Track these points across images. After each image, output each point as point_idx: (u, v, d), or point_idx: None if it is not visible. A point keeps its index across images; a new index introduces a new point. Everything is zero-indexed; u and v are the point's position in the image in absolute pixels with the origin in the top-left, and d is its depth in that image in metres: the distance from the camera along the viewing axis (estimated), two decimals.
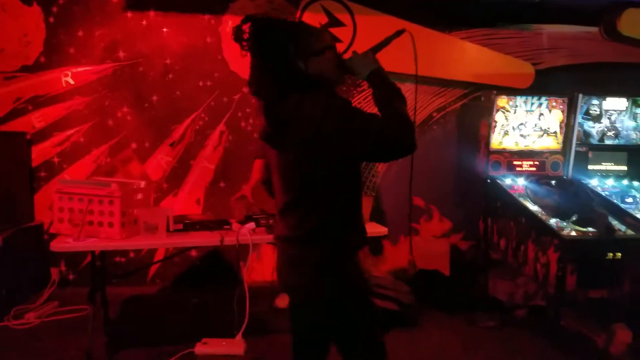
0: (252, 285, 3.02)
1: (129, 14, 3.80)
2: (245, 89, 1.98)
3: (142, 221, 2.72)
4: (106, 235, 2.66)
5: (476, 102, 3.96)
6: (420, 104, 4.07)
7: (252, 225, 2.84)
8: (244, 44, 1.47)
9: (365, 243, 1.64)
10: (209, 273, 3.95)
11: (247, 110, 3.95)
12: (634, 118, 3.72)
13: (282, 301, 3.47)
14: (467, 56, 3.86)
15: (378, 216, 3.94)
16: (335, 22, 3.76)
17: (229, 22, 3.81)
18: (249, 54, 1.50)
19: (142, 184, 2.92)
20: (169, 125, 3.92)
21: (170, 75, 3.88)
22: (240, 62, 3.67)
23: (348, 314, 1.54)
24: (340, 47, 3.69)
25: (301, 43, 1.49)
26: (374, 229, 3.23)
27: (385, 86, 1.57)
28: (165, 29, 3.84)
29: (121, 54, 3.83)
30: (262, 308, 3.38)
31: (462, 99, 4.05)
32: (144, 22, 3.82)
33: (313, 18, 3.74)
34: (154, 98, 3.89)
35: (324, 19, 3.75)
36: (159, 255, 3.89)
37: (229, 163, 3.96)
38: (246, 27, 1.46)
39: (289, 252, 1.57)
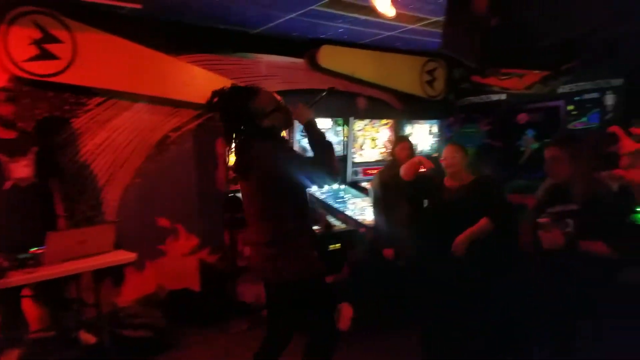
0: None
1: None
2: None
3: None
4: None
5: (210, 122, 4.17)
6: (155, 124, 4.04)
7: None
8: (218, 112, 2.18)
9: (315, 238, 2.42)
10: None
11: None
12: (336, 134, 4.59)
13: None
14: (197, 79, 4.02)
15: (120, 242, 3.74)
16: (50, 38, 3.38)
17: None
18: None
19: None
20: None
21: None
22: None
23: (310, 291, 2.16)
24: (60, 65, 3.40)
25: (257, 107, 2.13)
26: (121, 256, 3.09)
27: (315, 133, 2.18)
28: None
29: None
30: None
31: (196, 119, 4.19)
32: None
33: (22, 33, 3.28)
34: None
35: (37, 34, 3.33)
36: None
37: None
38: (215, 100, 2.17)
39: (264, 251, 2.16)
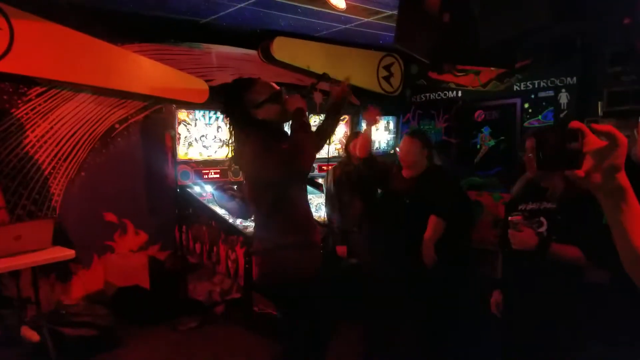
0: None
1: None
2: None
3: None
4: None
5: (158, 114, 4.05)
6: (99, 115, 3.90)
7: None
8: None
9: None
10: None
11: None
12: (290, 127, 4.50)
13: None
14: (143, 69, 3.89)
15: (64, 238, 3.61)
16: None
17: None
18: None
19: None
20: None
21: None
22: None
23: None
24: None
25: (250, 98, 2.11)
26: (59, 253, 2.98)
27: (298, 124, 2.15)
28: None
29: None
30: None
31: (144, 110, 4.05)
32: None
33: None
34: None
35: None
36: None
37: None
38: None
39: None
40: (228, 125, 2.19)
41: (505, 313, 2.28)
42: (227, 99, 2.18)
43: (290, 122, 2.18)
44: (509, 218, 2.05)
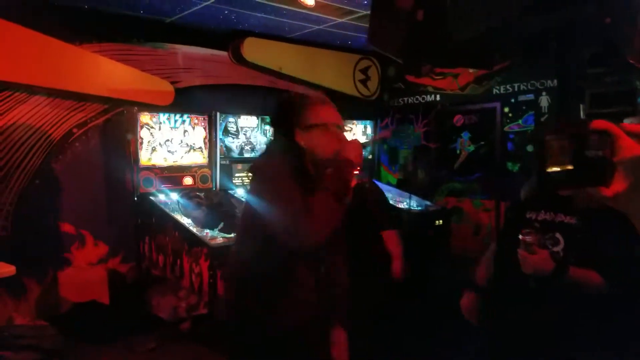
0: None
1: None
2: None
3: None
4: None
5: (120, 117, 3.82)
6: (56, 119, 3.65)
7: None
8: None
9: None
10: None
11: None
12: (264, 133, 4.31)
13: None
14: (103, 70, 3.67)
15: (16, 251, 3.35)
16: None
17: None
18: None
19: None
20: None
21: None
22: None
23: None
24: None
25: (294, 116, 1.69)
26: None
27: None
28: None
29: None
30: None
31: (104, 114, 3.82)
32: None
33: None
34: None
35: None
36: None
37: None
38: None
39: None
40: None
41: (491, 322, 2.01)
42: (279, 112, 1.78)
43: (330, 172, 1.64)
44: (520, 237, 1.66)
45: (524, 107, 4.32)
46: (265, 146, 1.86)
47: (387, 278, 2.83)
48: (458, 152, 4.65)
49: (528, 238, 1.65)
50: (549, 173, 0.64)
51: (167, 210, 3.65)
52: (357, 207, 2.74)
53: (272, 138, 1.90)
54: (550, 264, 1.62)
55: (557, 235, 1.73)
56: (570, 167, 0.61)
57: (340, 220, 1.62)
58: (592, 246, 1.64)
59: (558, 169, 0.63)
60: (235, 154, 4.17)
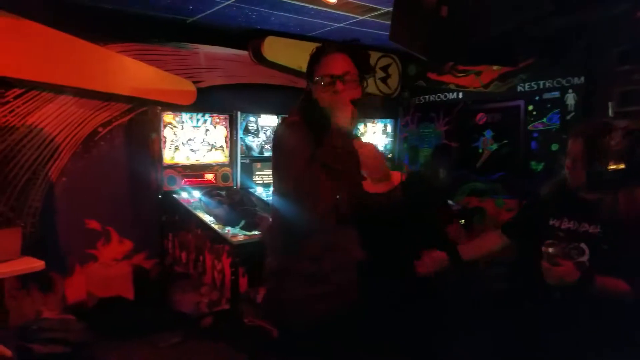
0: None
1: None
2: None
3: None
4: None
5: (143, 117, 3.88)
6: (82, 118, 3.73)
7: None
8: None
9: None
10: None
11: None
12: None
13: None
14: (127, 70, 3.72)
15: (43, 247, 3.44)
16: None
17: None
18: None
19: None
20: None
21: None
22: None
23: None
24: None
25: (309, 68, 1.70)
26: (27, 264, 2.80)
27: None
28: None
29: None
30: None
31: (128, 113, 3.88)
32: None
33: None
34: None
35: None
36: None
37: None
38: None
39: None
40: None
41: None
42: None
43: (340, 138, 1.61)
44: (543, 248, 1.64)
45: (548, 105, 4.23)
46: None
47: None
48: (480, 151, 4.59)
49: (551, 250, 1.62)
50: (599, 172, 0.63)
51: (190, 208, 3.70)
52: (415, 199, 2.72)
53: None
54: (576, 274, 1.59)
55: (582, 245, 1.70)
56: (622, 167, 0.60)
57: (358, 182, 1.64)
58: (618, 256, 1.61)
59: (614, 167, 0.62)
60: (255, 153, 4.20)
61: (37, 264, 2.81)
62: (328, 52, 1.68)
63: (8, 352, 3.05)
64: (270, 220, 1.82)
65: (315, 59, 1.69)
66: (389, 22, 3.87)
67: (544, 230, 1.82)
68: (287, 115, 1.77)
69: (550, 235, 1.73)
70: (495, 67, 4.34)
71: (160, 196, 3.80)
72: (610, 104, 3.70)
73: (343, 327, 1.68)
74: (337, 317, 1.65)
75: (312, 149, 1.57)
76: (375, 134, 4.84)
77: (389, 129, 4.91)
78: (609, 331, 1.63)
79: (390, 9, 3.55)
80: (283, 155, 1.65)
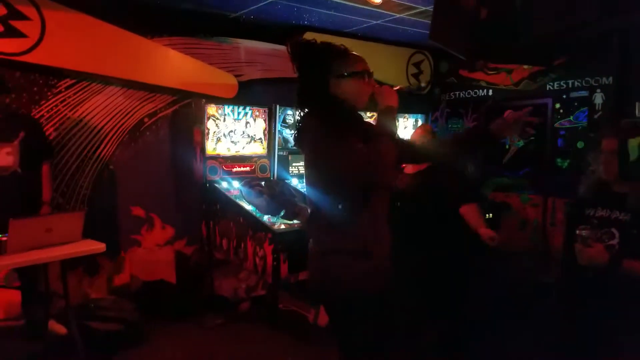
0: None
1: None
2: None
3: None
4: None
5: (187, 109, 4.01)
6: (128, 109, 3.88)
7: None
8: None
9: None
10: None
11: None
12: None
13: None
14: (173, 63, 3.85)
15: (92, 231, 3.60)
16: (16, 14, 3.19)
17: None
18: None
19: None
20: None
21: None
22: None
23: None
24: (27, 43, 3.22)
25: (334, 67, 1.72)
26: (89, 246, 2.95)
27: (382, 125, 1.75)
28: None
29: None
30: None
31: (172, 105, 4.03)
32: None
33: None
34: None
35: (2, 10, 3.15)
36: None
37: None
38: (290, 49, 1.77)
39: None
40: (296, 96, 1.78)
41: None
42: (306, 59, 1.76)
43: (376, 119, 1.76)
44: (577, 232, 1.87)
45: (575, 104, 4.33)
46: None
47: (466, 254, 2.91)
48: (507, 147, 4.70)
49: (584, 232, 1.86)
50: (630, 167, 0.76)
51: (231, 198, 3.85)
52: (435, 186, 2.86)
53: (301, 92, 1.79)
54: (605, 256, 1.81)
55: (613, 230, 1.91)
56: None
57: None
58: None
59: None
60: (292, 145, 4.33)
61: (99, 246, 2.95)
62: (349, 50, 1.81)
63: (63, 330, 3.24)
64: (309, 211, 1.85)
65: (342, 56, 1.77)
66: (424, 20, 3.99)
67: (581, 219, 2.03)
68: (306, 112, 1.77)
69: (585, 223, 1.97)
70: (526, 66, 4.43)
71: (206, 185, 3.94)
72: (637, 104, 3.81)
73: (390, 301, 1.78)
74: (385, 292, 1.75)
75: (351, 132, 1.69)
76: (407, 129, 4.97)
77: (420, 124, 5.04)
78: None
79: (428, 7, 3.67)
80: (332, 142, 1.65)
